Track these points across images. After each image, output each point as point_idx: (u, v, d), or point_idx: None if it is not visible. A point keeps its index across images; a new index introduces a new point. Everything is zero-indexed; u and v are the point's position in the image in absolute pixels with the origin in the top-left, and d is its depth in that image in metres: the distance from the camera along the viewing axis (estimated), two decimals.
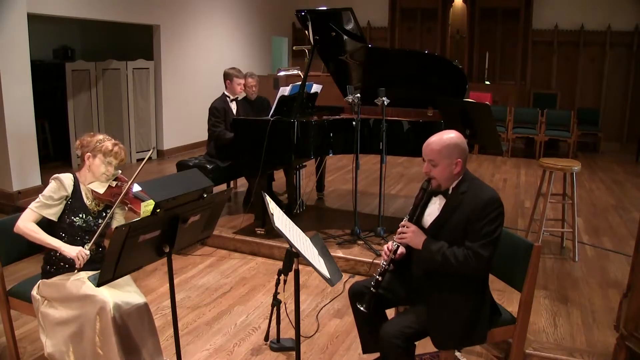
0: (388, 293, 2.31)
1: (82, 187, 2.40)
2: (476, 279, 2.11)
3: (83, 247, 2.34)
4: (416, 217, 2.22)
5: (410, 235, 2.15)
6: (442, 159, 2.09)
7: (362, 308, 2.19)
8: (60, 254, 2.30)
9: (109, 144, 2.40)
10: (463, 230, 2.07)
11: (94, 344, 2.14)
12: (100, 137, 2.43)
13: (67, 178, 2.35)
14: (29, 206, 2.29)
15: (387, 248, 2.24)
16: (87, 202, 2.38)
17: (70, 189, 2.34)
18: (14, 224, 2.44)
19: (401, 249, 2.23)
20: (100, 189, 2.38)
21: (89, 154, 2.38)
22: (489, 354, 2.80)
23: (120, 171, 2.50)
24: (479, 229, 2.03)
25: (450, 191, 2.14)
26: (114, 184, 2.42)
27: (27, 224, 2.27)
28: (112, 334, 2.11)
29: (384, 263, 2.20)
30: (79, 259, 2.23)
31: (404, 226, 2.19)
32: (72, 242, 2.33)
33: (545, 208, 3.93)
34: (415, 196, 2.23)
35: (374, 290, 2.17)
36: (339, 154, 4.31)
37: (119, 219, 2.48)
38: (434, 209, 2.20)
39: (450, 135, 2.13)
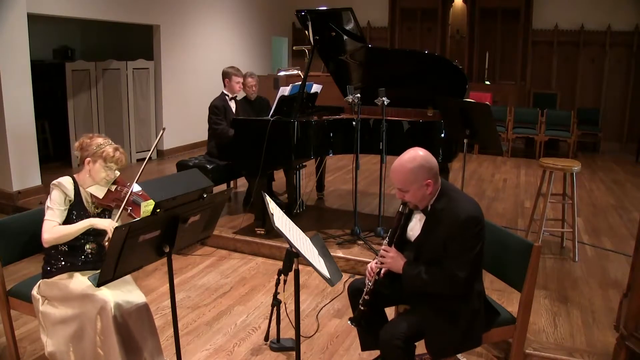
0: (386, 291, 2.31)
1: (81, 190, 2.36)
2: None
3: (84, 247, 2.34)
4: (397, 236, 2.20)
5: (390, 261, 2.15)
6: (410, 184, 2.03)
7: (352, 324, 2.22)
8: (61, 253, 2.31)
9: (110, 149, 2.34)
10: (443, 247, 2.04)
11: (95, 344, 2.14)
12: (101, 140, 2.37)
13: (67, 182, 2.32)
14: (45, 218, 2.25)
15: (371, 268, 2.23)
16: (87, 205, 2.36)
17: (71, 193, 2.32)
18: (14, 224, 2.45)
19: (385, 269, 2.23)
20: (100, 193, 2.36)
21: (89, 158, 2.34)
22: (489, 354, 2.80)
23: (118, 173, 2.48)
24: (456, 248, 2.00)
25: (429, 208, 2.12)
26: (113, 187, 2.40)
27: (52, 230, 2.23)
28: (113, 334, 2.10)
29: (369, 284, 2.19)
30: (111, 232, 2.24)
31: (384, 250, 2.18)
32: (74, 245, 2.32)
33: (545, 208, 3.93)
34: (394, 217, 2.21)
35: (363, 308, 2.18)
36: (339, 154, 4.30)
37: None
38: (415, 223, 2.20)
39: (411, 157, 2.04)
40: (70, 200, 2.31)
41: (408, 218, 2.21)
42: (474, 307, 2.10)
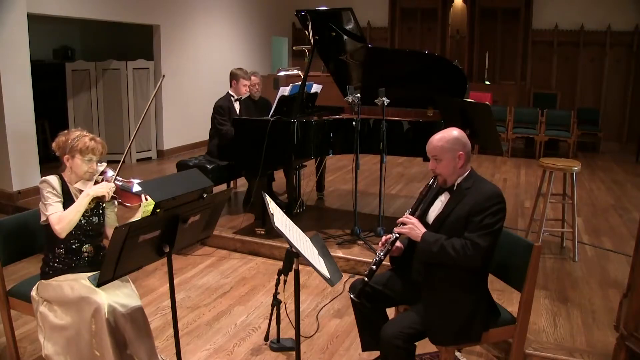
0: (388, 291, 2.32)
1: (70, 187, 2.35)
2: (474, 276, 2.12)
3: (82, 248, 2.34)
4: (421, 213, 2.27)
5: (410, 226, 2.18)
6: (445, 153, 2.15)
7: (352, 296, 2.23)
8: (58, 256, 2.31)
9: (85, 140, 2.29)
10: (464, 223, 2.09)
11: (91, 346, 2.14)
12: (75, 134, 2.31)
13: (53, 180, 2.30)
14: (47, 213, 2.22)
15: (385, 239, 2.26)
16: None
17: (59, 189, 2.30)
18: (14, 224, 2.45)
19: (399, 243, 2.26)
20: (86, 187, 2.35)
21: (67, 155, 2.30)
22: (489, 354, 2.80)
23: (105, 164, 2.45)
24: (478, 221, 2.06)
25: (455, 187, 2.19)
26: (99, 179, 2.39)
27: (59, 219, 2.20)
28: (107, 336, 2.10)
29: (381, 254, 2.22)
30: (109, 194, 2.26)
31: (406, 217, 2.22)
32: (71, 248, 2.32)
33: (545, 208, 3.93)
34: (419, 192, 2.30)
35: (366, 280, 2.20)
36: (339, 154, 4.30)
37: (109, 215, 2.46)
38: (438, 206, 2.24)
39: (451, 131, 2.20)
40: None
41: (436, 195, 2.26)
42: (474, 299, 2.11)
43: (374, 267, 2.21)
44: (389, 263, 2.42)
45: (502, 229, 2.12)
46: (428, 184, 2.27)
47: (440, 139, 2.18)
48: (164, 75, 2.45)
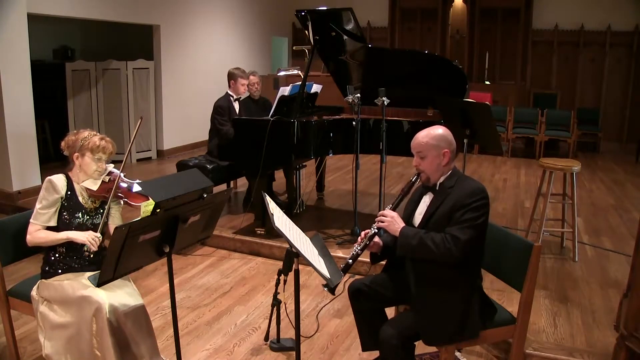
0: (386, 291, 2.32)
1: (76, 186, 2.37)
2: (464, 274, 2.10)
3: (83, 249, 2.33)
4: (408, 216, 2.28)
5: (389, 220, 2.19)
6: (430, 149, 2.15)
7: (326, 289, 2.20)
8: (59, 254, 2.30)
9: (95, 139, 2.34)
10: (448, 220, 2.09)
11: (92, 346, 2.14)
12: (85, 134, 2.36)
13: (59, 179, 2.32)
14: (31, 220, 2.28)
15: (365, 234, 2.28)
16: (83, 200, 2.36)
17: (63, 190, 2.32)
18: (14, 224, 2.45)
19: (377, 239, 2.28)
20: (94, 186, 2.36)
21: (76, 154, 2.34)
22: (489, 354, 2.80)
23: (112, 165, 2.47)
24: (459, 216, 2.06)
25: (438, 187, 2.19)
26: (107, 179, 2.39)
27: (34, 234, 2.27)
28: (108, 335, 2.10)
29: (358, 248, 2.24)
30: (91, 243, 2.24)
31: (386, 212, 2.23)
32: (72, 247, 2.32)
33: (545, 208, 3.93)
34: (401, 188, 2.31)
35: (342, 273, 2.22)
36: (339, 154, 4.31)
37: (114, 214, 2.46)
38: (423, 208, 2.24)
39: (437, 128, 2.20)
40: (60, 198, 2.31)
41: (421, 196, 2.26)
42: (465, 296, 2.10)
43: (350, 261, 2.23)
44: (383, 263, 2.42)
45: (486, 224, 2.12)
46: (411, 180, 2.26)
47: (425, 135, 2.17)
48: (141, 117, 2.51)
